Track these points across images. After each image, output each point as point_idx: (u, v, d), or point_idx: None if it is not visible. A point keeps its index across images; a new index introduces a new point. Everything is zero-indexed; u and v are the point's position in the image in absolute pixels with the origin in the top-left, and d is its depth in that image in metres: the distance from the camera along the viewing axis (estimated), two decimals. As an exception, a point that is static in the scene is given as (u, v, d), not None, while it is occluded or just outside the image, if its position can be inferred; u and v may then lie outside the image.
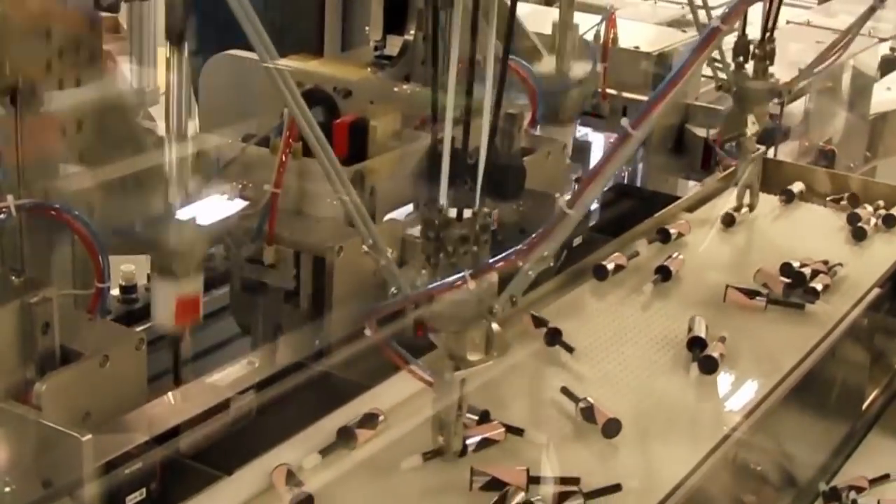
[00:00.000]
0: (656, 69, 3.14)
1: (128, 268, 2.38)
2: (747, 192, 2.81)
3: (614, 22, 3.11)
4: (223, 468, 1.75)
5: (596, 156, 3.43)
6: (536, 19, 3.17)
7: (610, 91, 3.07)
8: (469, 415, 1.84)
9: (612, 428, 1.94)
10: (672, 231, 2.67)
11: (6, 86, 1.81)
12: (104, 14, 2.03)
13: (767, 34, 2.80)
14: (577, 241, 2.56)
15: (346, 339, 2.03)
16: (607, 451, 1.92)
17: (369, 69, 2.81)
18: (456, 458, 1.81)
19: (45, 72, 1.86)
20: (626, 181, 3.24)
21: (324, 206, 2.19)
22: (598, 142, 3.44)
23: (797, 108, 3.84)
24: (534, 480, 1.78)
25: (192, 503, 1.63)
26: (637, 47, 3.19)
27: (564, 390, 2.03)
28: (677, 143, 3.12)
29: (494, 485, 1.77)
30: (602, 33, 3.09)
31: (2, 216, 1.69)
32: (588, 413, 1.96)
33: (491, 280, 1.61)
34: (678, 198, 2.98)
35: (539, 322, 2.23)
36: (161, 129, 1.97)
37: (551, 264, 2.37)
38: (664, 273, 2.48)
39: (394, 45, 2.91)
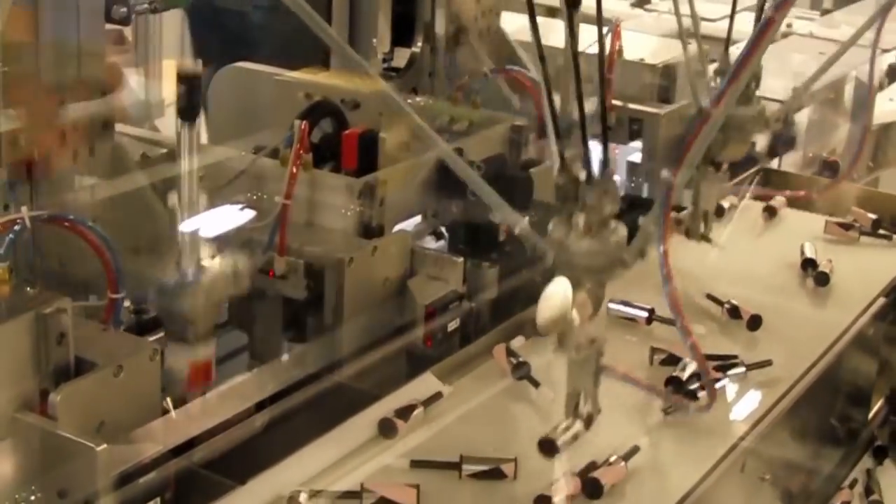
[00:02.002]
0: (661, 81, 3.15)
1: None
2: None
3: (619, 34, 3.11)
4: (234, 477, 1.77)
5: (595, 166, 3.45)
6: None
7: (616, 102, 3.08)
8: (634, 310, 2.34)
9: (755, 322, 2.39)
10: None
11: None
12: (110, 26, 2.05)
13: None
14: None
15: (359, 349, 2.07)
16: (752, 340, 2.37)
17: (377, 81, 2.82)
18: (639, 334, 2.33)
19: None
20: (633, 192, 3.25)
21: (334, 217, 2.21)
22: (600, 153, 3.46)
23: (801, 118, 3.85)
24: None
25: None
26: (642, 59, 3.20)
27: (709, 296, 2.47)
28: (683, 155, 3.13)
29: (671, 360, 2.18)
30: (608, 45, 3.10)
31: (17, 227, 1.69)
32: (734, 312, 2.43)
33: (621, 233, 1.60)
34: (684, 208, 2.99)
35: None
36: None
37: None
38: (771, 212, 3.00)
39: (400, 58, 2.93)
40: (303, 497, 1.77)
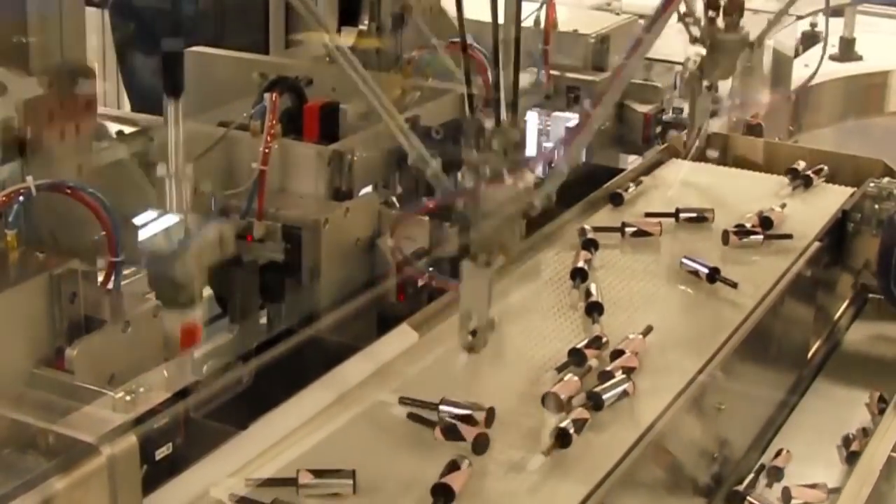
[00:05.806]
0: (595, 50, 3.30)
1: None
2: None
3: (554, 6, 3.25)
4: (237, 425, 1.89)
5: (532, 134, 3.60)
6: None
7: (553, 72, 3.22)
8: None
9: None
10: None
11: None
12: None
13: None
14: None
15: (336, 304, 2.19)
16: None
17: (327, 59, 2.93)
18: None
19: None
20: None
21: (305, 183, 2.33)
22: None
23: (724, 84, 4.01)
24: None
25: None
26: (576, 30, 3.35)
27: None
28: (618, 119, 3.29)
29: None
30: (542, 18, 3.24)
31: (21, 199, 1.79)
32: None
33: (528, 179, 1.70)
34: (622, 170, 3.14)
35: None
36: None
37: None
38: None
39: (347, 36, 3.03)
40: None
